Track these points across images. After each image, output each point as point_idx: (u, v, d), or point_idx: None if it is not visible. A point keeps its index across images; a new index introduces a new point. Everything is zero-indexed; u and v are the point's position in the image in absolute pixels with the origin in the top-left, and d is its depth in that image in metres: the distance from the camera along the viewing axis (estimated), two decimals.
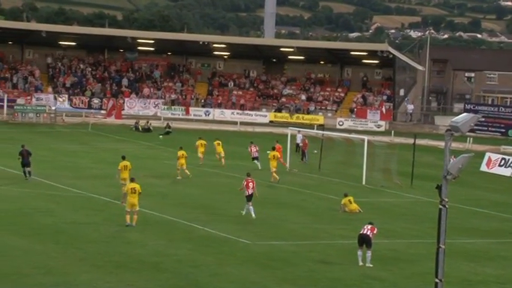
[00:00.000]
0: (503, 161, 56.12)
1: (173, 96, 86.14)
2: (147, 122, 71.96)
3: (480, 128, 76.21)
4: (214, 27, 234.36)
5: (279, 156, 47.24)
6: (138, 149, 56.66)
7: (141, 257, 26.90)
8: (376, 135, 63.94)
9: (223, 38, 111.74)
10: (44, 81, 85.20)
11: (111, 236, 29.77)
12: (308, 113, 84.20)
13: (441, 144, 48.31)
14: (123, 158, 38.39)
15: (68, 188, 39.34)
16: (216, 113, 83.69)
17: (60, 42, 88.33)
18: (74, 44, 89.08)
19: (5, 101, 77.46)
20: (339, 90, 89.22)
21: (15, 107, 75.14)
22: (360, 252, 27.00)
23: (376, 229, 27.15)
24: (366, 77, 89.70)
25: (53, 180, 41.18)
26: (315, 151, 53.58)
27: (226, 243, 29.76)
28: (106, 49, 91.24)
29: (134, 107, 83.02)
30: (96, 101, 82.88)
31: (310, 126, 70.29)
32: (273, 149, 47.48)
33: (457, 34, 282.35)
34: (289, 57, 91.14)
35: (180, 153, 45.10)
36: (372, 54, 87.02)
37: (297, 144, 57.11)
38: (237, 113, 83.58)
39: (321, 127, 70.31)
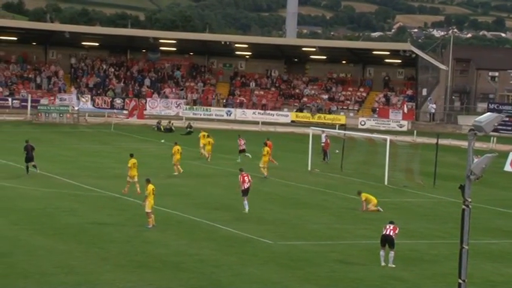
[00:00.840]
0: None
1: (195, 96, 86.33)
2: (169, 122, 72.13)
3: (504, 127, 75.82)
4: (236, 27, 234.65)
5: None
6: (160, 149, 56.81)
7: (162, 257, 26.98)
8: (398, 135, 63.68)
9: (245, 38, 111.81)
10: (67, 82, 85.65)
11: (133, 236, 29.87)
12: (330, 112, 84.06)
13: (464, 144, 48.22)
14: (132, 155, 38.91)
15: (90, 188, 39.51)
16: (238, 113, 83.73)
17: (83, 43, 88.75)
18: (96, 44, 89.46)
19: (29, 101, 77.91)
20: (361, 90, 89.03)
21: (38, 107, 75.54)
22: (382, 253, 26.94)
23: (398, 229, 27.08)
24: (388, 77, 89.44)
25: (76, 180, 41.40)
26: (337, 151, 53.49)
27: (248, 243, 29.78)
28: (128, 49, 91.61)
29: (156, 107, 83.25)
30: (118, 101, 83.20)
31: (332, 126, 70.15)
32: (265, 144, 47.47)
33: (481, 33, 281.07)
34: (311, 57, 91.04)
35: (176, 148, 45.51)
36: (394, 53, 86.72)
37: (323, 145, 57.01)
38: (259, 113, 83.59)
39: (343, 127, 70.12)
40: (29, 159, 42.32)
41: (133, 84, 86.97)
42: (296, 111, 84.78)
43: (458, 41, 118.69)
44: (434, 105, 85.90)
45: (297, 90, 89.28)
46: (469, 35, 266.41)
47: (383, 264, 26.80)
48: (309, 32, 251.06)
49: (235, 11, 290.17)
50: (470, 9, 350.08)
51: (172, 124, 71.88)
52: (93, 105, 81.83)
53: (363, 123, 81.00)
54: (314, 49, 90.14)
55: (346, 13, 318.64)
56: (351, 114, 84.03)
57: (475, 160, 15.25)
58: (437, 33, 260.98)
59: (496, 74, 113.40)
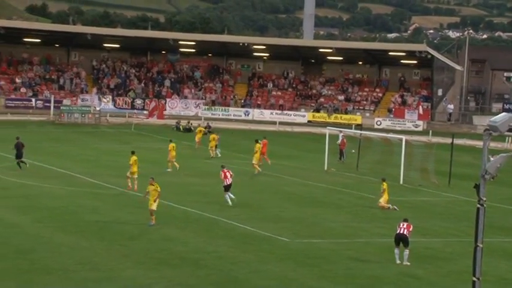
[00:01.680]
0: None
1: (213, 96, 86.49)
2: (188, 122, 72.26)
3: None
4: (254, 28, 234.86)
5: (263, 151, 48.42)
6: (179, 149, 56.89)
7: (182, 254, 27.07)
8: (414, 135, 63.56)
9: (262, 39, 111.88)
10: (89, 83, 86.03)
11: (154, 234, 29.96)
12: (346, 113, 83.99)
13: (479, 143, 48.00)
14: (133, 153, 39.50)
15: (112, 187, 39.66)
16: (256, 113, 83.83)
17: (105, 45, 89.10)
18: (117, 46, 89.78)
19: (52, 102, 78.18)
20: (377, 90, 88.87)
21: (61, 108, 75.80)
22: (397, 251, 26.92)
23: (411, 226, 27.05)
24: (404, 77, 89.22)
25: (98, 178, 41.59)
26: (353, 151, 53.43)
27: (265, 241, 29.82)
28: (149, 51, 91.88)
29: (176, 107, 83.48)
30: (139, 101, 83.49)
31: (348, 126, 70.14)
32: (256, 141, 47.54)
33: (496, 34, 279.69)
34: (328, 57, 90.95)
35: (171, 145, 46.13)
36: (410, 54, 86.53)
37: (339, 145, 57.00)
38: (276, 113, 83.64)
39: (359, 127, 70.14)
40: (19, 156, 43.27)
41: (153, 85, 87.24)
42: (313, 112, 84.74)
43: (473, 42, 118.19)
44: (452, 106, 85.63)
45: (314, 91, 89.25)
46: (485, 36, 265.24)
47: (398, 262, 26.78)
48: (326, 33, 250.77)
49: (253, 13, 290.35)
50: (485, 10, 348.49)
51: (191, 124, 72.01)
52: (114, 106, 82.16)
53: (378, 123, 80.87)
54: (331, 50, 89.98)
55: (363, 15, 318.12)
56: (367, 115, 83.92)
57: (490, 159, 15.24)
58: (453, 34, 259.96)
59: (511, 74, 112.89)
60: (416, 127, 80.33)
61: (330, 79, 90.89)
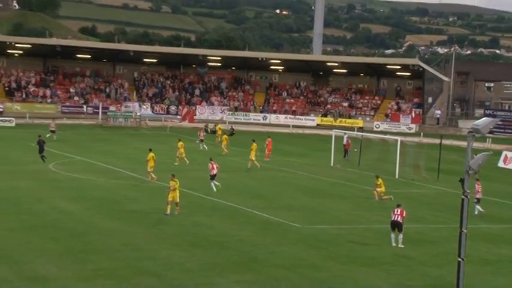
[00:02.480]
0: None
1: (236, 103, 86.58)
2: (215, 125, 72.28)
3: (498, 130, 75.04)
4: (271, 46, 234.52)
5: (268, 149, 49.00)
6: (207, 148, 57.00)
7: (209, 237, 27.11)
8: (407, 136, 63.33)
9: (278, 55, 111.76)
10: (131, 92, 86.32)
11: (185, 220, 30.03)
12: (349, 117, 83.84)
13: (464, 144, 47.70)
14: (150, 150, 39.57)
15: (159, 183, 39.67)
16: (272, 118, 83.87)
17: (144, 60, 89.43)
18: (155, 61, 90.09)
19: (100, 108, 78.72)
20: (376, 98, 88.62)
21: (108, 113, 76.33)
22: (392, 235, 26.88)
23: (405, 212, 26.97)
24: (399, 87, 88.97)
25: (138, 173, 41.68)
26: (355, 150, 53.29)
27: (280, 226, 29.82)
28: (181, 65, 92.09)
29: (204, 112, 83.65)
30: (173, 108, 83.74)
31: (351, 129, 69.96)
32: (253, 141, 47.20)
33: (479, 50, 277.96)
34: (334, 70, 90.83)
35: (180, 144, 46.18)
36: (404, 67, 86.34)
37: (344, 145, 56.84)
38: (290, 118, 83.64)
39: (361, 129, 69.93)
40: (41, 151, 43.70)
41: (185, 94, 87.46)
42: (321, 116, 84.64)
43: (459, 57, 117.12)
44: (439, 111, 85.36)
45: (322, 99, 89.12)
46: (469, 52, 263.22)
47: (393, 244, 26.72)
48: (332, 49, 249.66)
49: (270, 32, 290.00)
50: (469, 29, 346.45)
51: (216, 127, 71.91)
52: (152, 112, 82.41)
53: (377, 126, 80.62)
54: (336, 64, 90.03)
55: (364, 34, 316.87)
56: (368, 119, 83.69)
57: (474, 157, 15.19)
58: (441, 50, 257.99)
59: (492, 84, 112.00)
60: (409, 129, 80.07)
61: (336, 89, 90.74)
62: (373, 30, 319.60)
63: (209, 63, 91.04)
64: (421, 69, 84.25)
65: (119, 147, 55.32)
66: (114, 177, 40.44)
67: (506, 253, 27.39)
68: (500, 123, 75.07)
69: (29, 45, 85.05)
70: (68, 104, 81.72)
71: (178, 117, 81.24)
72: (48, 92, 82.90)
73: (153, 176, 38.61)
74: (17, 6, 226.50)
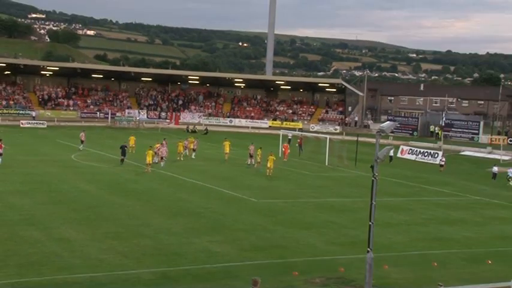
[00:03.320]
0: (410, 151, 55.85)
1: (210, 111, 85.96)
2: (194, 126, 71.83)
3: (397, 130, 75.91)
4: (235, 69, 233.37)
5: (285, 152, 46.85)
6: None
7: (190, 209, 26.86)
8: (334, 135, 63.57)
9: (240, 75, 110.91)
10: (133, 102, 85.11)
11: (172, 196, 29.72)
12: (292, 121, 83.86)
13: (373, 140, 48.21)
14: (151, 147, 38.92)
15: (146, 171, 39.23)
16: (236, 121, 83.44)
17: (142, 78, 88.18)
18: (150, 79, 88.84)
19: (109, 114, 77.71)
20: (311, 107, 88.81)
21: (115, 118, 75.37)
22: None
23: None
24: (328, 99, 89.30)
25: (138, 162, 41.09)
26: (297, 144, 52.88)
27: (242, 201, 29.67)
28: (169, 82, 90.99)
29: (186, 117, 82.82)
30: (163, 114, 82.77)
31: (294, 129, 70.05)
32: (225, 139, 46.28)
33: (383, 73, 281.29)
34: (281, 87, 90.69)
35: (180, 143, 44.99)
36: (331, 85, 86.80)
37: (289, 140, 56.71)
38: (249, 121, 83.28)
39: (300, 130, 69.95)
40: (123, 154, 40.75)
41: (172, 104, 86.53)
42: (272, 120, 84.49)
43: (369, 78, 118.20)
44: (357, 117, 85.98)
45: (272, 107, 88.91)
46: (376, 74, 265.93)
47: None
48: (280, 72, 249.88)
49: (235, 58, 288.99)
50: (376, 58, 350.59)
51: (195, 128, 71.50)
52: (147, 117, 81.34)
53: (312, 127, 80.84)
54: (283, 82, 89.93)
55: (302, 61, 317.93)
56: (306, 122, 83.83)
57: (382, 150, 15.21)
58: (357, 73, 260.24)
59: (392, 98, 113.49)
60: (335, 130, 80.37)
61: (283, 100, 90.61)
62: (309, 58, 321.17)
63: (190, 81, 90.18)
64: (343, 86, 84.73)
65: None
66: (118, 165, 39.78)
67: (402, 218, 27.71)
68: (399, 125, 76.12)
69: (56, 68, 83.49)
70: (85, 111, 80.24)
71: (167, 120, 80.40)
72: (71, 102, 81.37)
73: (149, 169, 37.80)
74: (48, 39, 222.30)
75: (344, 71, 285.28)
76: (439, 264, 20.29)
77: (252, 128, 79.06)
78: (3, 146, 38.03)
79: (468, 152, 62.72)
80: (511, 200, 34.74)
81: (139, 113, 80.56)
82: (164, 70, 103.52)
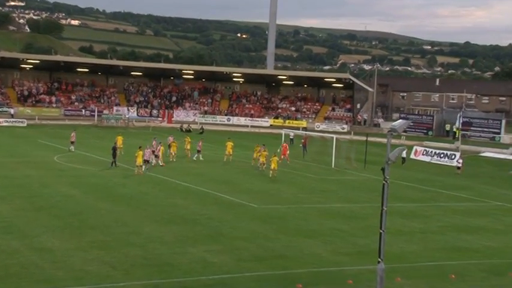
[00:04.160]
0: (425, 152, 55.93)
1: (206, 108, 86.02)
2: (188, 125, 71.87)
3: (410, 129, 75.95)
4: (233, 62, 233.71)
5: (284, 152, 46.31)
6: (182, 143, 56.44)
7: (184, 216, 26.85)
8: (341, 135, 63.59)
9: (239, 69, 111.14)
10: (121, 99, 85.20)
11: (164, 201, 29.72)
12: (296, 119, 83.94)
13: (384, 140, 48.19)
14: (140, 147, 38.74)
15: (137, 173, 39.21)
16: (234, 120, 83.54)
17: (132, 73, 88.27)
18: (140, 74, 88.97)
19: (96, 111, 77.74)
20: (317, 104, 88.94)
21: (102, 116, 75.41)
22: None
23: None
24: (334, 96, 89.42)
25: (127, 164, 41.10)
26: (300, 145, 52.96)
27: (241, 206, 29.68)
28: (162, 77, 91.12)
29: (180, 115, 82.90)
30: (155, 111, 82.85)
31: (297, 128, 70.08)
32: (228, 139, 46.45)
33: (395, 67, 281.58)
34: (284, 82, 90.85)
35: (187, 140, 45.93)
36: (338, 80, 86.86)
37: (291, 140, 56.92)
38: (248, 120, 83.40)
39: (304, 129, 70.01)
40: (114, 156, 40.57)
41: (165, 100, 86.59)
42: (273, 118, 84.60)
43: (380, 72, 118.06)
44: (366, 115, 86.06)
45: (274, 104, 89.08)
46: (387, 68, 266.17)
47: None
48: (282, 65, 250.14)
49: (233, 51, 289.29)
50: (387, 51, 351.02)
51: (190, 127, 71.55)
52: (137, 114, 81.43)
53: (318, 126, 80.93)
54: (285, 77, 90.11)
55: (307, 53, 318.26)
56: (310, 120, 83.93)
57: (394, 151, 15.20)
58: (366, 67, 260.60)
59: (405, 94, 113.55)
60: (342, 129, 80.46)
61: (285, 96, 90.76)
62: (314, 51, 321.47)
63: (184, 76, 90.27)
64: (351, 81, 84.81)
65: (111, 143, 54.10)
66: (106, 167, 39.82)
67: (416, 226, 27.71)
68: (412, 124, 76.17)
69: (38, 61, 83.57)
70: (69, 108, 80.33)
71: (159, 119, 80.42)
72: (53, 99, 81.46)
73: (141, 171, 37.83)
74: (28, 30, 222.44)
75: (352, 65, 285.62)
76: (457, 276, 20.27)
77: (252, 127, 79.14)
78: None
79: (488, 153, 62.77)
80: None
81: (128, 110, 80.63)
82: (156, 64, 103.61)
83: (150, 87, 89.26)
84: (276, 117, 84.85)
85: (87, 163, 41.34)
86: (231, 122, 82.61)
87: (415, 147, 57.26)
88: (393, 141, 17.01)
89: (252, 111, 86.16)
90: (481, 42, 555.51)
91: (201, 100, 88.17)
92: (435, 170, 49.03)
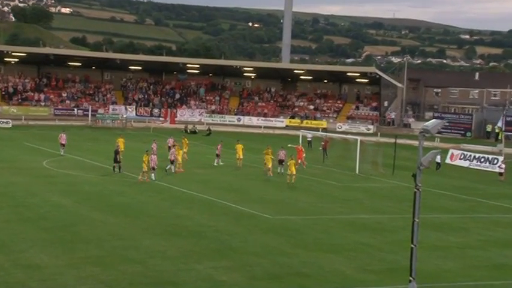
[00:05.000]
0: (462, 156, 55.69)
1: (213, 107, 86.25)
2: (194, 126, 72.10)
3: (445, 130, 75.68)
4: (244, 55, 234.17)
5: (298, 157, 45.94)
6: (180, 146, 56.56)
7: (188, 227, 26.92)
8: (366, 136, 63.53)
9: (251, 63, 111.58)
10: (118, 96, 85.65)
11: (167, 212, 29.82)
12: (315, 119, 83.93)
13: (416, 142, 47.92)
14: (147, 151, 38.98)
15: (135, 176, 39.34)
16: (245, 120, 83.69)
17: (130, 67, 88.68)
18: (140, 68, 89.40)
19: (90, 111, 78.19)
20: (338, 102, 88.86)
21: (96, 115, 75.80)
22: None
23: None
24: (359, 92, 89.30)
25: (124, 170, 41.28)
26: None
27: (253, 217, 29.71)
28: (163, 72, 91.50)
29: (184, 115, 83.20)
30: (156, 110, 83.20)
31: (316, 129, 70.05)
32: (237, 141, 46.47)
33: (428, 60, 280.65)
34: (301, 77, 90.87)
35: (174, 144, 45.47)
36: (363, 75, 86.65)
37: (309, 142, 56.99)
38: (261, 120, 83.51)
39: (325, 130, 69.99)
40: (116, 160, 40.66)
41: (167, 98, 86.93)
42: (289, 118, 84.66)
43: (410, 66, 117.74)
44: (394, 114, 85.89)
45: (290, 103, 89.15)
46: (419, 61, 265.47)
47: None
48: (299, 58, 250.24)
49: (244, 42, 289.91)
50: (419, 41, 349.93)
51: (196, 128, 71.78)
52: (136, 114, 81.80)
53: (340, 127, 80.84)
54: (303, 71, 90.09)
55: (327, 44, 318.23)
56: (331, 121, 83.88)
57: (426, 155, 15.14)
58: (395, 59, 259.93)
59: (439, 90, 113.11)
60: (368, 130, 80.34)
61: (303, 93, 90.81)
62: (335, 42, 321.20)
63: (188, 71, 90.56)
64: (377, 76, 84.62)
65: (106, 146, 54.61)
66: (102, 174, 40.01)
67: (453, 240, 27.59)
68: (447, 124, 75.86)
69: (24, 54, 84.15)
70: (60, 107, 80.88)
71: (161, 119, 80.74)
72: (42, 96, 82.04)
73: (146, 178, 37.70)
74: (13, 19, 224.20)
75: (379, 57, 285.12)
76: None
77: (265, 127, 79.22)
78: None
79: None
80: None
81: (126, 109, 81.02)
82: (157, 57, 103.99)
83: (150, 84, 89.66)
84: (293, 117, 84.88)
85: (80, 169, 41.56)
86: (241, 123, 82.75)
87: (451, 151, 57.02)
88: (426, 143, 16.96)
89: (266, 110, 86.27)
90: None
91: (207, 98, 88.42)
92: (474, 176, 48.79)
